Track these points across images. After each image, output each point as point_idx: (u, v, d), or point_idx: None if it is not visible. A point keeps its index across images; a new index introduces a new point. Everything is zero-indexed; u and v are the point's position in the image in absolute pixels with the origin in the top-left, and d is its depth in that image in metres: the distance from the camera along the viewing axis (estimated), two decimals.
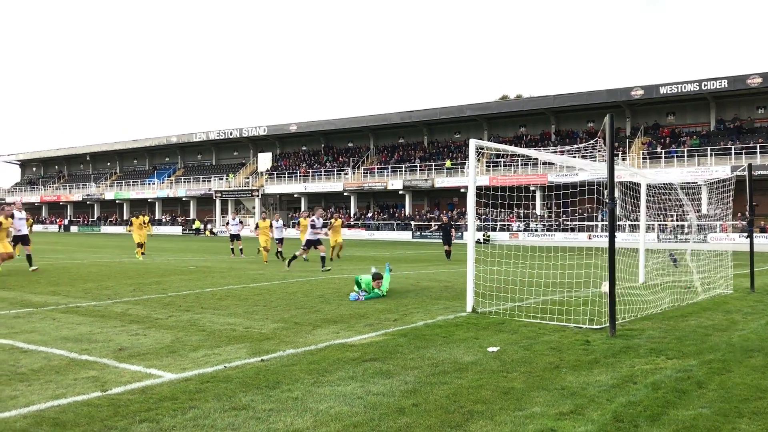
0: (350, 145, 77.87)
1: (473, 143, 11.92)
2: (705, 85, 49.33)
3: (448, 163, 63.81)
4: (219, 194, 76.59)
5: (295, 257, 21.75)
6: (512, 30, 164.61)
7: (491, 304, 12.04)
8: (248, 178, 76.38)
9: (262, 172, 76.39)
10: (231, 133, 79.14)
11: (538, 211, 54.88)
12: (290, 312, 11.58)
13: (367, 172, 68.55)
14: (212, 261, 26.53)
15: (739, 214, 43.44)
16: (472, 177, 12.12)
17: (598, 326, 10.02)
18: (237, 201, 76.75)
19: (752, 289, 15.65)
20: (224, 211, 77.34)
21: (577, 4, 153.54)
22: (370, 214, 66.58)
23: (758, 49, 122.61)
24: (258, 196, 72.99)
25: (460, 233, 46.81)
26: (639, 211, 17.34)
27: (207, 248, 39.13)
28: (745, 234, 41.71)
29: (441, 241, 27.80)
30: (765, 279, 19.34)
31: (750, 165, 16.44)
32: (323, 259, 21.07)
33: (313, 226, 21.05)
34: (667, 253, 18.72)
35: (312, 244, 20.93)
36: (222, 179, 77.97)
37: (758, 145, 46.28)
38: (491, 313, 11.40)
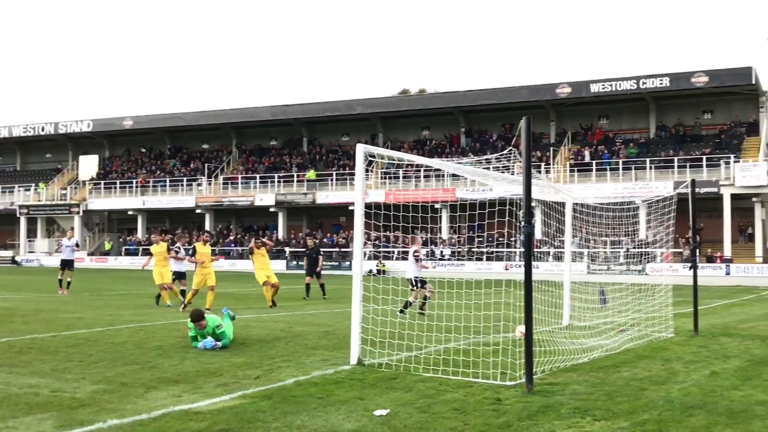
0: (206, 146, 76.74)
1: (361, 149, 12.04)
2: (643, 83, 52.43)
3: (310, 173, 64.12)
4: (25, 210, 73.24)
5: (409, 304, 20.08)
6: (416, 10, 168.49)
7: (382, 355, 12.12)
8: (66, 188, 73.55)
9: (84, 181, 73.77)
10: (43, 129, 76.09)
11: (444, 234, 56.09)
12: (116, 369, 11.18)
13: (228, 183, 67.75)
14: (15, 300, 25.27)
15: (682, 240, 46.18)
16: (359, 192, 12.22)
17: (512, 381, 10.30)
18: (49, 219, 73.62)
19: (696, 332, 16.63)
20: (31, 233, 73.96)
21: None
22: (231, 238, 65.72)
23: (704, 44, 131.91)
24: (79, 213, 70.36)
25: (348, 262, 46.87)
26: (564, 237, 18.07)
27: (8, 283, 37.26)
28: (689, 265, 44.36)
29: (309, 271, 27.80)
30: (711, 319, 20.65)
31: (693, 181, 17.53)
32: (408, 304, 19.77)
33: (417, 259, 20.22)
34: (599, 288, 19.58)
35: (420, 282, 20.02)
36: (30, 190, 74.65)
37: (705, 157, 49.52)
38: (381, 365, 11.47)
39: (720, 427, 8.09)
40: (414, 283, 20.12)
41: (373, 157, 12.66)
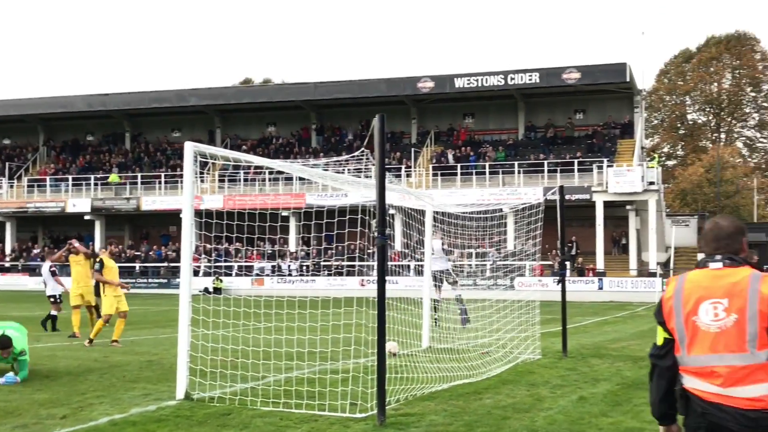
0: (7, 142, 73.57)
1: (189, 148, 11.87)
2: (512, 79, 54.17)
3: (113, 177, 62.75)
4: None
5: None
6: None
7: (213, 387, 11.95)
8: None
9: None
10: None
11: (292, 246, 55.97)
12: None
13: (33, 185, 65.14)
14: None
15: (553, 251, 48.01)
16: (188, 198, 12.06)
17: (363, 413, 10.38)
18: None
19: (564, 353, 17.29)
20: None
21: None
22: (37, 250, 63.20)
23: (577, 39, 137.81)
24: None
25: (178, 279, 45.86)
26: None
27: None
28: (557, 279, 45.99)
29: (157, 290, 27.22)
30: (581, 339, 21.53)
31: (562, 187, 18.25)
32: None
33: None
34: (459, 307, 20.04)
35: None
36: None
37: (576, 161, 51.66)
38: (213, 399, 11.32)
39: None
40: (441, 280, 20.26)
41: (205, 157, 12.49)
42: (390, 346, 16.27)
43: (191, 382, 11.77)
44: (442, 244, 21.09)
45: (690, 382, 4.79)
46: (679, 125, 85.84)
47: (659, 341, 4.96)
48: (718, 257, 4.90)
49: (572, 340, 18.98)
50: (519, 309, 19.00)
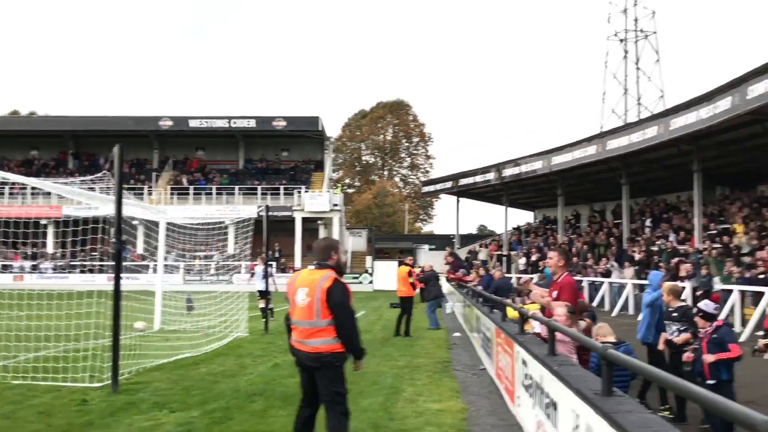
0: None
1: None
2: (234, 123, 53.64)
3: None
4: None
5: None
6: (39, 26, 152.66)
7: None
8: None
9: None
10: None
11: (49, 249, 51.66)
12: None
13: None
14: None
15: (262, 254, 48.09)
16: None
17: (100, 383, 9.78)
18: None
19: (266, 331, 17.34)
20: None
21: (122, 22, 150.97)
22: None
23: (283, 92, 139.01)
24: None
25: None
26: (166, 251, 17.73)
27: None
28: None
29: None
30: (280, 320, 21.68)
31: (267, 207, 18.39)
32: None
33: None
34: (186, 297, 19.51)
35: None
36: None
37: (282, 186, 52.12)
38: None
39: (275, 410, 8.51)
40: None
41: None
42: (139, 324, 15.51)
43: None
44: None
45: (292, 334, 6.19)
46: (356, 164, 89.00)
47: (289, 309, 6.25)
48: (315, 263, 6.22)
49: (274, 322, 19.04)
50: (236, 298, 18.80)
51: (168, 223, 17.66)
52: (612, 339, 7.76)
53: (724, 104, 20.86)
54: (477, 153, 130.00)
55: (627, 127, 29.15)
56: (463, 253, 45.95)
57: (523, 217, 53.24)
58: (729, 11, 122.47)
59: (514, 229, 47.82)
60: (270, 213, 52.95)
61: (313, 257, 6.32)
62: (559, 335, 7.02)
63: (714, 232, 26.13)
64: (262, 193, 51.51)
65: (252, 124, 53.12)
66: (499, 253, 42.74)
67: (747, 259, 21.25)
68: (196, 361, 12.36)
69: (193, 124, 54.00)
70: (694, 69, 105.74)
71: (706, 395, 3.04)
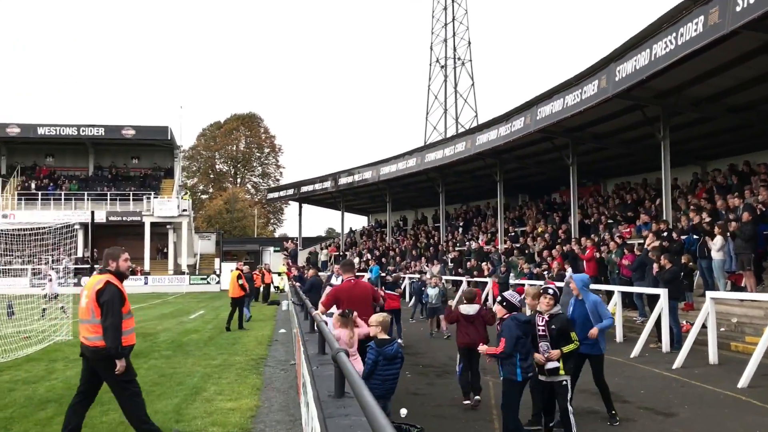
0: None
1: None
2: (83, 131, 50.00)
3: None
4: None
5: None
6: None
7: None
8: None
9: None
10: None
11: None
12: None
13: None
14: None
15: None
16: None
17: None
18: None
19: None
20: None
21: None
22: None
23: (132, 101, 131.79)
24: None
25: None
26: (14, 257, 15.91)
27: None
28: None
29: None
30: None
31: (93, 212, 16.98)
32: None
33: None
34: (6, 302, 17.67)
35: None
36: None
37: (132, 193, 49.14)
38: None
39: (62, 417, 7.65)
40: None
41: None
42: None
43: None
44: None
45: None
46: (210, 172, 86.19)
47: None
48: (99, 268, 6.45)
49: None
50: (61, 301, 17.28)
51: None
52: (383, 335, 7.21)
53: (518, 123, 21.81)
54: (322, 162, 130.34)
55: (442, 143, 29.93)
56: (304, 254, 45.60)
57: (359, 221, 53.76)
58: (532, 40, 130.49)
59: (350, 231, 48.07)
60: (120, 218, 50.06)
61: (101, 263, 6.56)
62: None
63: (513, 234, 27.34)
64: (112, 199, 48.48)
65: (101, 132, 49.89)
66: (337, 253, 42.71)
67: (539, 258, 22.33)
68: (5, 368, 11.06)
69: (41, 131, 49.90)
70: (502, 91, 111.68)
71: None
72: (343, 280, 7.95)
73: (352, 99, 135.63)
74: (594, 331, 7.45)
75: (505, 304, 6.81)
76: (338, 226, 49.35)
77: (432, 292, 16.40)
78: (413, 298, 22.26)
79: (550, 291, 7.02)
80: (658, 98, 17.53)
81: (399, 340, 14.57)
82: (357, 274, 15.37)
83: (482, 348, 6.98)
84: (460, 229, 33.26)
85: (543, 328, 6.79)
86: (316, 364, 5.55)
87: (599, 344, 7.53)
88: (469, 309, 8.92)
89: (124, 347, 6.14)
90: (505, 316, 6.74)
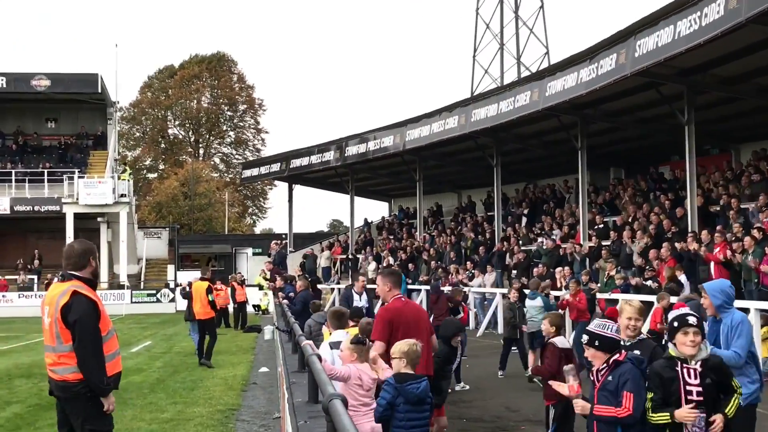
0: None
1: None
2: None
3: None
4: None
5: None
6: None
7: None
8: None
9: None
10: None
11: None
12: None
13: None
14: None
15: (19, 264, 45.94)
16: None
17: None
18: None
19: None
20: None
21: None
22: None
23: (46, 40, 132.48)
24: None
25: None
26: None
27: None
28: (26, 294, 44.25)
29: None
30: (27, 357, 20.63)
31: None
32: None
33: None
34: None
35: None
36: None
37: (46, 171, 49.44)
38: None
39: None
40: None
41: None
42: None
43: None
44: None
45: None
46: (160, 139, 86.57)
47: None
48: (61, 273, 6.57)
49: (12, 359, 18.00)
50: None
51: None
52: (409, 370, 7.09)
53: (608, 63, 21.83)
54: (323, 125, 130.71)
55: (497, 93, 29.76)
56: (297, 259, 45.71)
57: (377, 210, 53.85)
58: None
59: (364, 224, 48.18)
60: (29, 207, 50.56)
61: (63, 265, 6.72)
62: (340, 375, 6.82)
63: (601, 226, 27.23)
64: (18, 181, 49.01)
65: (1, 83, 50.13)
66: (344, 257, 42.88)
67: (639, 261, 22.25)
68: None
69: None
70: (586, 19, 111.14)
71: None
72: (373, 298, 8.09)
73: (365, 33, 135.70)
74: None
75: (598, 344, 6.28)
76: (346, 217, 49.52)
77: (534, 304, 16.28)
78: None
79: (692, 320, 6.11)
80: None
81: (460, 386, 14.61)
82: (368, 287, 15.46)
83: (581, 406, 6.37)
84: (524, 220, 33.15)
85: (696, 384, 5.97)
86: (305, 418, 5.58)
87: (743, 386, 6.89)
88: (563, 341, 8.97)
89: (110, 377, 6.39)
90: (612, 361, 6.22)
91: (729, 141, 28.71)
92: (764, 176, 23.53)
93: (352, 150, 39.05)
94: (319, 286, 25.80)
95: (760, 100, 23.41)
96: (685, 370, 5.95)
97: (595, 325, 6.45)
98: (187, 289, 22.25)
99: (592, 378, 6.32)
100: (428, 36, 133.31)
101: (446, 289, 21.38)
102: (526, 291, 17.46)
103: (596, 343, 6.25)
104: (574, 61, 24.12)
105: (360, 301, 13.95)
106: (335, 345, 7.92)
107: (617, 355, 6.18)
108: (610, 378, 6.15)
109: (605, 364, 6.20)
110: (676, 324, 6.08)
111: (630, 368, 6.13)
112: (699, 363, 5.95)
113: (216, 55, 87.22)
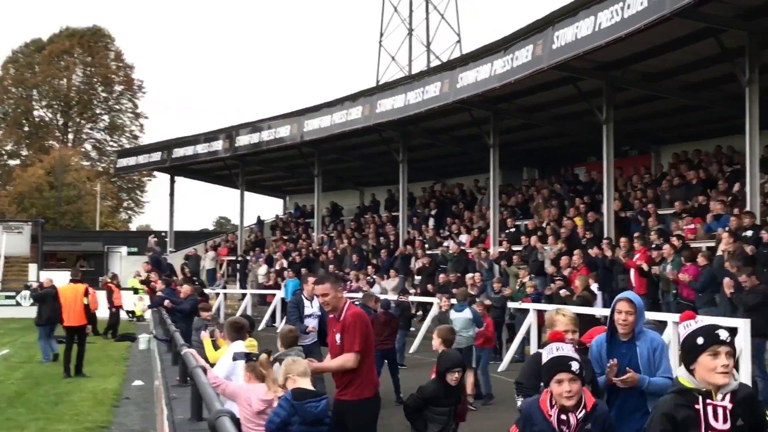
0: None
1: None
2: None
3: None
4: None
5: None
6: None
7: None
8: None
9: None
10: None
11: None
12: None
13: None
14: None
15: None
16: None
17: None
18: None
19: None
20: None
21: None
22: None
23: None
24: None
25: None
26: None
27: None
28: None
29: None
30: None
31: None
32: None
33: None
34: None
35: None
36: None
37: None
38: None
39: None
40: None
41: None
42: None
43: None
44: None
45: None
46: (23, 121, 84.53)
47: None
48: None
49: None
50: None
51: None
52: (306, 385, 7.09)
53: (523, 54, 22.22)
54: (211, 112, 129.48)
55: (404, 82, 30.04)
56: (178, 259, 45.21)
57: (271, 207, 53.73)
58: None
59: (256, 222, 47.96)
60: None
61: None
62: (228, 391, 6.85)
63: (513, 229, 27.66)
64: None
65: None
66: (231, 258, 42.60)
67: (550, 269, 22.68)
68: None
69: None
70: (502, 5, 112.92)
71: None
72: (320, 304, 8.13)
73: (260, 11, 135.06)
74: (631, 377, 6.50)
75: (591, 388, 5.76)
76: (235, 214, 49.24)
77: (461, 316, 15.45)
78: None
79: (724, 335, 4.68)
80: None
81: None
82: (256, 292, 15.38)
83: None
84: (432, 222, 33.46)
85: (726, 430, 4.60)
86: None
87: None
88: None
89: None
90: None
91: (649, 142, 29.53)
92: (685, 180, 24.17)
93: (244, 140, 38.82)
94: (210, 291, 25.66)
95: (682, 99, 24.13)
96: (709, 408, 4.61)
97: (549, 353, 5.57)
98: (39, 290, 22.36)
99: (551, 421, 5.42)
100: (331, 17, 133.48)
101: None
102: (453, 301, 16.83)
103: (591, 388, 5.76)
104: (487, 51, 24.46)
105: (311, 308, 13.64)
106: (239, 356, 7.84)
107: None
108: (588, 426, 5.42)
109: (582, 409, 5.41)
110: (701, 341, 4.64)
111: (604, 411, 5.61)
112: (728, 397, 4.62)
113: (91, 29, 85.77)
